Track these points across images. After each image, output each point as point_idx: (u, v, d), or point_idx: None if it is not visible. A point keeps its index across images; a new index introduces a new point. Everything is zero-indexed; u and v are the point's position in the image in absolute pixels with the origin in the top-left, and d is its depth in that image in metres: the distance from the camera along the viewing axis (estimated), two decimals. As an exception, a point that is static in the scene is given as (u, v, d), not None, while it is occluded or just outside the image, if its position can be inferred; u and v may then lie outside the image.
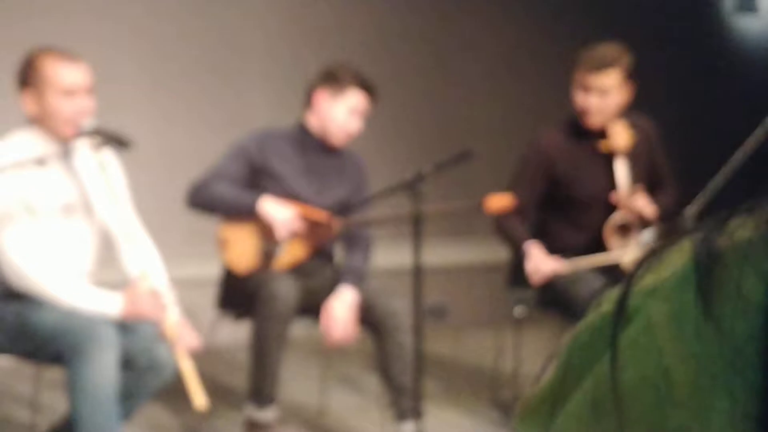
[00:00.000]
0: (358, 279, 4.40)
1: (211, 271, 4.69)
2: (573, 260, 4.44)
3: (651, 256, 0.64)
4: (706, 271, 0.58)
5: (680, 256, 0.61)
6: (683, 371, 0.57)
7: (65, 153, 3.83)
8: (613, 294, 0.63)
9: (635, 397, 0.58)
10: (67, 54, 3.82)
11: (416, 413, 4.08)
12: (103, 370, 3.55)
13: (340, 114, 4.41)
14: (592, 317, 0.64)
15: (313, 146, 4.48)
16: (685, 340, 0.57)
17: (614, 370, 0.60)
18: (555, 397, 0.64)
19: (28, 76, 3.79)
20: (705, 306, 0.57)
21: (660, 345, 0.58)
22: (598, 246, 4.46)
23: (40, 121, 3.80)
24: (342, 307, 4.29)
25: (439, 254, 6.62)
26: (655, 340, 0.58)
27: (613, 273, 4.44)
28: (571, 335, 0.66)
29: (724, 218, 0.61)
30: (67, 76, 3.77)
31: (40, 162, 3.64)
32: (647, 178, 4.62)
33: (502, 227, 4.60)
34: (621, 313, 0.61)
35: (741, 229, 0.59)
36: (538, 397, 0.66)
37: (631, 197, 4.44)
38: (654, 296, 0.60)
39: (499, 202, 4.07)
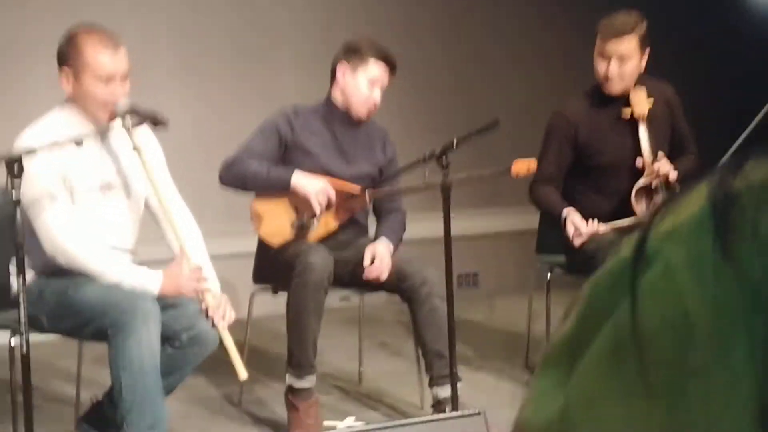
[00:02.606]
0: (395, 236, 4.54)
1: (247, 246, 4.78)
2: (611, 223, 4.51)
3: (669, 200, 0.64)
4: (723, 212, 0.58)
5: (697, 199, 0.61)
6: (703, 313, 0.57)
7: (102, 133, 3.86)
8: (632, 239, 0.63)
9: (656, 340, 0.58)
10: (109, 37, 3.82)
11: (453, 377, 4.16)
12: (146, 343, 3.58)
13: (361, 85, 4.51)
14: (611, 263, 0.64)
15: (340, 120, 4.57)
16: (703, 282, 0.57)
17: (634, 315, 0.59)
18: (576, 344, 0.63)
19: (67, 56, 3.80)
20: (722, 247, 0.57)
21: (679, 288, 0.58)
22: (625, 211, 4.53)
23: (77, 101, 3.83)
24: (383, 249, 4.43)
25: (469, 223, 6.71)
26: (675, 283, 0.58)
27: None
28: (590, 282, 0.65)
29: (739, 161, 0.60)
30: (105, 62, 3.77)
31: (78, 142, 3.61)
32: (669, 143, 4.70)
33: (537, 196, 4.70)
34: (640, 258, 0.61)
35: (756, 170, 0.59)
36: (559, 346, 0.66)
37: (655, 162, 4.52)
38: (672, 239, 0.60)
39: (525, 166, 4.14)
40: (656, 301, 0.59)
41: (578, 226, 4.50)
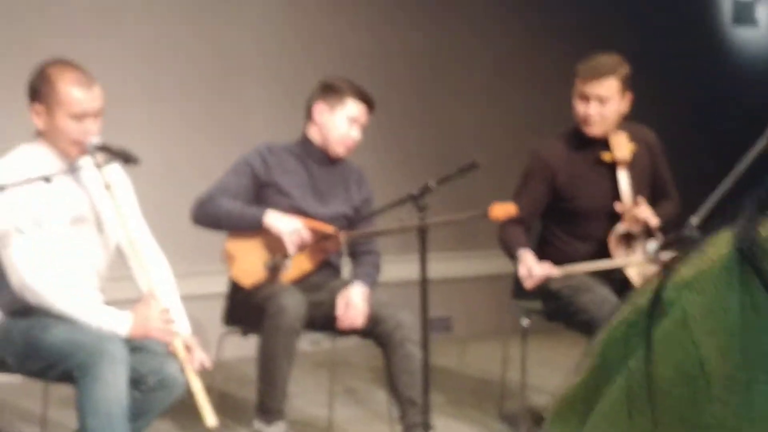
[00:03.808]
0: (370, 279, 4.45)
1: (217, 286, 4.69)
2: (565, 266, 4.46)
3: (687, 249, 0.61)
4: (751, 260, 0.56)
5: (718, 248, 0.59)
6: (720, 365, 0.55)
7: (72, 169, 3.79)
8: (648, 288, 0.61)
9: (670, 391, 0.56)
10: (83, 74, 3.75)
11: (425, 426, 4.08)
12: (114, 386, 3.51)
13: (340, 124, 4.45)
14: (626, 311, 0.62)
15: (316, 159, 4.51)
16: (722, 332, 0.55)
17: (649, 365, 0.57)
18: (588, 394, 0.62)
19: (40, 92, 3.73)
20: (751, 296, 0.55)
21: (696, 338, 0.56)
22: (603, 256, 4.47)
23: (47, 137, 3.76)
24: (357, 295, 4.34)
25: (445, 266, 6.62)
26: (691, 334, 0.56)
27: (618, 283, 4.45)
28: (604, 331, 0.63)
29: (760, 209, 0.59)
30: (80, 100, 3.71)
31: (47, 179, 3.56)
32: (649, 189, 4.64)
33: (502, 235, 4.63)
34: (656, 307, 0.59)
35: None
36: (571, 396, 0.64)
37: (634, 207, 4.46)
38: (690, 289, 0.58)
39: (504, 210, 4.07)
40: (671, 351, 0.57)
41: (530, 267, 4.44)
